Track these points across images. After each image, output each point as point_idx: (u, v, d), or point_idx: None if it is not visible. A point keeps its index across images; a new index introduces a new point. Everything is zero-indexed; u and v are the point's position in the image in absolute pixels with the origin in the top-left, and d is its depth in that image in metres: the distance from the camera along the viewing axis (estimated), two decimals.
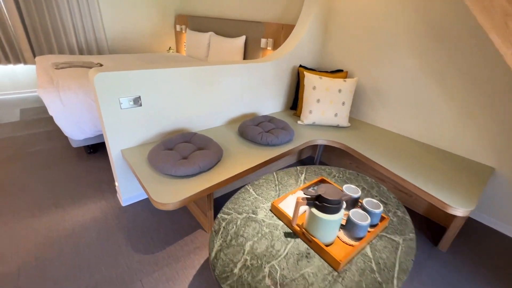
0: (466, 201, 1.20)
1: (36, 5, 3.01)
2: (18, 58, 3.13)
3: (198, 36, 3.39)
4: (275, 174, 1.22)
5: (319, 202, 0.79)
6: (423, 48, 1.66)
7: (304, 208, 0.98)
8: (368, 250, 0.84)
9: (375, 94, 1.99)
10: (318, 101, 1.90)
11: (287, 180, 1.18)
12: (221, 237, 0.84)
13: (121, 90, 1.33)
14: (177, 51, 4.31)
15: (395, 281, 0.74)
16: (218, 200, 1.74)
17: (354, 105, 2.16)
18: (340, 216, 0.79)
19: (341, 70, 2.16)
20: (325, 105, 1.90)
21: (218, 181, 1.22)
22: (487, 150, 1.56)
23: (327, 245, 0.83)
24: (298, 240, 0.86)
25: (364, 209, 0.91)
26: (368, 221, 0.83)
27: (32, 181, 1.76)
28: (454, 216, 1.36)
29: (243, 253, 0.79)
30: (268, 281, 0.71)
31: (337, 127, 1.99)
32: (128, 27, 3.74)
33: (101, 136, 2.05)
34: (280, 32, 2.47)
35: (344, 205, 0.81)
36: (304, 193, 0.80)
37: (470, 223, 1.70)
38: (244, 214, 0.95)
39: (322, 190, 0.80)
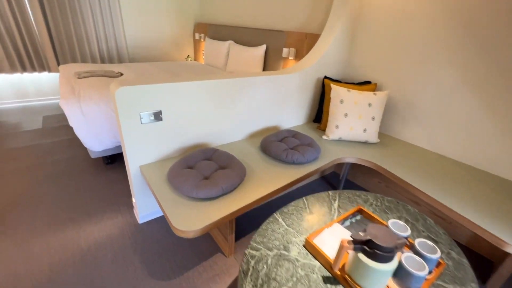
0: None
1: (61, 14, 3.09)
2: (43, 66, 3.20)
3: (217, 45, 3.35)
4: (305, 201, 1.11)
5: (369, 248, 0.67)
6: (464, 58, 1.51)
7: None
8: None
9: (407, 108, 1.84)
10: (345, 115, 1.78)
11: (319, 208, 1.06)
12: (251, 280, 0.74)
13: (142, 104, 1.27)
14: (195, 59, 4.31)
15: None
16: (238, 219, 1.64)
17: (383, 119, 2.02)
18: (393, 266, 0.67)
19: (368, 82, 2.03)
20: (354, 120, 1.77)
21: (242, 206, 1.12)
22: None
23: None
24: (340, 287, 0.74)
25: (417, 252, 0.78)
26: (426, 270, 0.70)
27: (50, 192, 1.74)
28: (507, 253, 1.19)
29: None
30: None
31: (366, 143, 1.85)
32: (148, 36, 3.78)
33: (119, 147, 2.02)
34: (303, 41, 2.37)
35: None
36: (351, 237, 0.68)
37: None
38: (275, 251, 0.84)
39: (372, 233, 0.68)
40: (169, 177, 1.21)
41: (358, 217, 1.00)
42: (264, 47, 2.72)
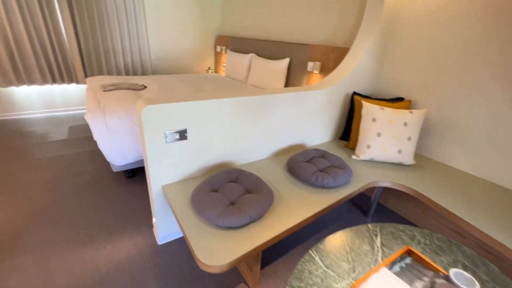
0: None
1: (91, 29, 3.21)
2: (71, 78, 3.32)
3: (238, 57, 3.34)
4: (342, 235, 0.99)
5: None
6: None
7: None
8: None
9: (447, 127, 1.69)
10: (378, 135, 1.65)
11: (359, 245, 0.94)
12: None
13: (167, 123, 1.22)
14: (216, 71, 4.33)
15: None
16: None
17: (419, 139, 1.86)
18: None
19: (401, 99, 1.89)
20: (387, 140, 1.64)
21: (271, 237, 1.02)
22: None
23: None
24: None
25: None
26: None
27: (72, 207, 1.72)
28: None
29: None
30: None
31: (400, 164, 1.70)
32: (171, 48, 3.85)
33: (140, 161, 1.99)
34: (329, 55, 2.29)
35: None
36: None
37: None
38: None
39: None
40: (193, 201, 1.14)
41: (408, 260, 0.87)
42: (287, 60, 2.66)
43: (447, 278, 0.77)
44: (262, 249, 1.01)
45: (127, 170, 2.08)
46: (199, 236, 1.00)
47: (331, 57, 2.28)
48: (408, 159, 1.67)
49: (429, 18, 1.66)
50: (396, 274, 0.81)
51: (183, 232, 1.04)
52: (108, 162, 2.33)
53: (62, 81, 3.28)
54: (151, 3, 3.48)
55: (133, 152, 1.85)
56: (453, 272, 0.75)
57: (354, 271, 0.83)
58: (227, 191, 1.20)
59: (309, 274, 0.81)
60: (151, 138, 1.20)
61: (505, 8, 1.34)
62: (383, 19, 1.80)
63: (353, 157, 1.75)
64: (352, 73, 1.86)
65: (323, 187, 1.38)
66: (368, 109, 1.68)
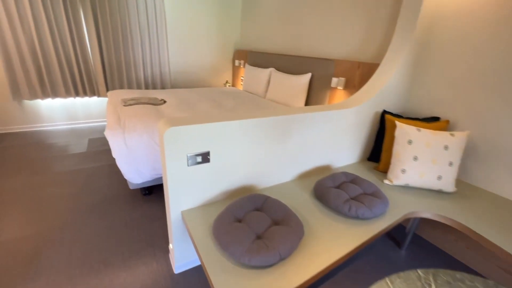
0: None
1: (114, 44, 3.29)
2: (93, 91, 3.39)
3: (257, 72, 3.30)
4: (389, 284, 0.85)
5: None
6: None
7: None
8: None
9: (493, 151, 1.52)
10: (415, 159, 1.50)
11: None
12: None
13: (190, 145, 1.15)
14: (233, 85, 4.32)
15: None
16: None
17: (461, 164, 1.69)
18: None
19: (437, 118, 1.74)
20: (425, 164, 1.49)
21: (305, 279, 0.90)
22: None
23: None
24: None
25: None
26: None
27: (87, 227, 1.67)
28: None
29: None
30: None
31: (439, 192, 1.54)
32: (190, 62, 3.88)
33: (158, 179, 1.93)
34: (355, 71, 2.18)
35: None
36: None
37: None
38: None
39: None
40: (215, 232, 1.03)
41: None
42: (308, 75, 2.58)
43: None
44: None
45: (144, 188, 2.02)
46: (222, 275, 0.89)
47: (357, 73, 2.17)
48: (449, 186, 1.50)
49: (473, 29, 1.52)
50: None
51: (204, 268, 0.94)
52: (125, 179, 2.29)
53: (85, 94, 3.36)
54: (172, 17, 3.54)
55: (151, 170, 1.80)
56: None
57: None
58: (252, 221, 1.09)
59: None
60: (172, 162, 1.13)
61: None
62: (418, 33, 1.68)
63: (386, 182, 1.60)
64: (383, 90, 1.74)
65: (357, 218, 1.24)
66: (403, 130, 1.55)
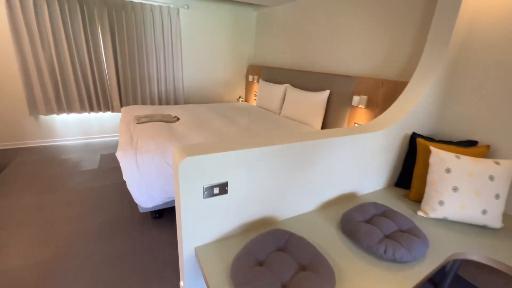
0: None
1: (130, 61, 3.31)
2: (108, 107, 3.40)
3: (272, 88, 3.22)
4: None
5: None
6: None
7: None
8: None
9: None
10: (454, 189, 1.34)
11: None
12: None
13: (207, 176, 1.04)
14: (246, 100, 4.26)
15: None
16: None
17: (508, 196, 1.50)
18: None
19: (474, 142, 1.58)
20: (467, 196, 1.32)
21: None
22: None
23: None
24: None
25: None
26: None
27: (94, 252, 1.57)
28: None
29: None
30: None
31: (484, 227, 1.36)
32: (204, 77, 3.87)
33: (169, 202, 1.83)
34: (378, 89, 2.05)
35: None
36: None
37: None
38: None
39: None
40: (235, 278, 0.90)
41: None
42: (327, 92, 2.47)
43: None
44: None
45: (154, 211, 1.92)
46: None
47: (380, 91, 2.04)
48: (496, 221, 1.32)
49: None
50: None
51: None
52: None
53: (99, 109, 3.36)
54: (187, 33, 3.55)
55: (163, 193, 1.70)
56: None
57: None
58: (275, 266, 0.95)
59: None
60: (187, 194, 1.02)
61: None
62: (452, 49, 1.55)
63: (420, 213, 1.43)
64: (413, 110, 1.61)
65: (394, 261, 1.08)
66: (440, 157, 1.39)
